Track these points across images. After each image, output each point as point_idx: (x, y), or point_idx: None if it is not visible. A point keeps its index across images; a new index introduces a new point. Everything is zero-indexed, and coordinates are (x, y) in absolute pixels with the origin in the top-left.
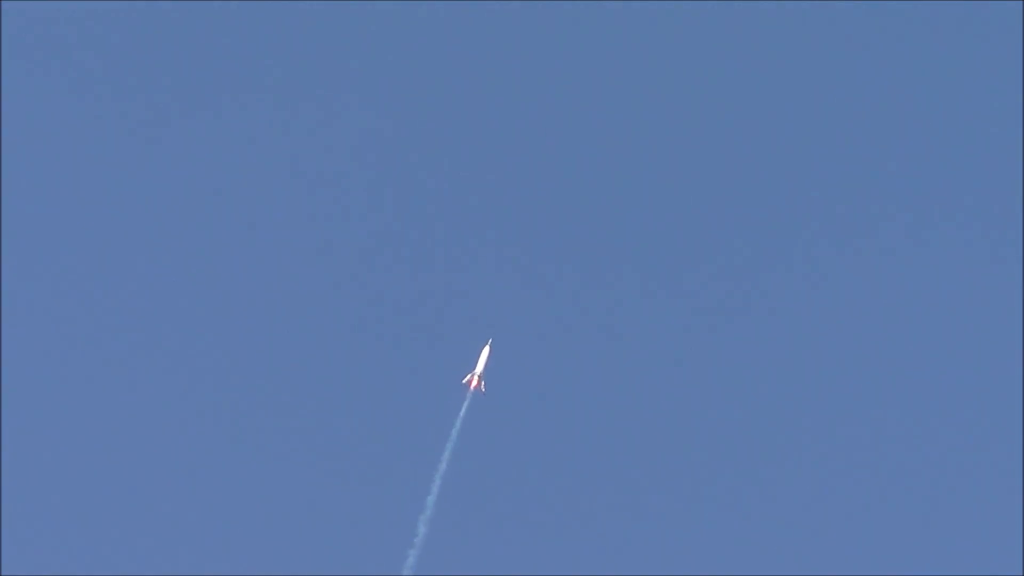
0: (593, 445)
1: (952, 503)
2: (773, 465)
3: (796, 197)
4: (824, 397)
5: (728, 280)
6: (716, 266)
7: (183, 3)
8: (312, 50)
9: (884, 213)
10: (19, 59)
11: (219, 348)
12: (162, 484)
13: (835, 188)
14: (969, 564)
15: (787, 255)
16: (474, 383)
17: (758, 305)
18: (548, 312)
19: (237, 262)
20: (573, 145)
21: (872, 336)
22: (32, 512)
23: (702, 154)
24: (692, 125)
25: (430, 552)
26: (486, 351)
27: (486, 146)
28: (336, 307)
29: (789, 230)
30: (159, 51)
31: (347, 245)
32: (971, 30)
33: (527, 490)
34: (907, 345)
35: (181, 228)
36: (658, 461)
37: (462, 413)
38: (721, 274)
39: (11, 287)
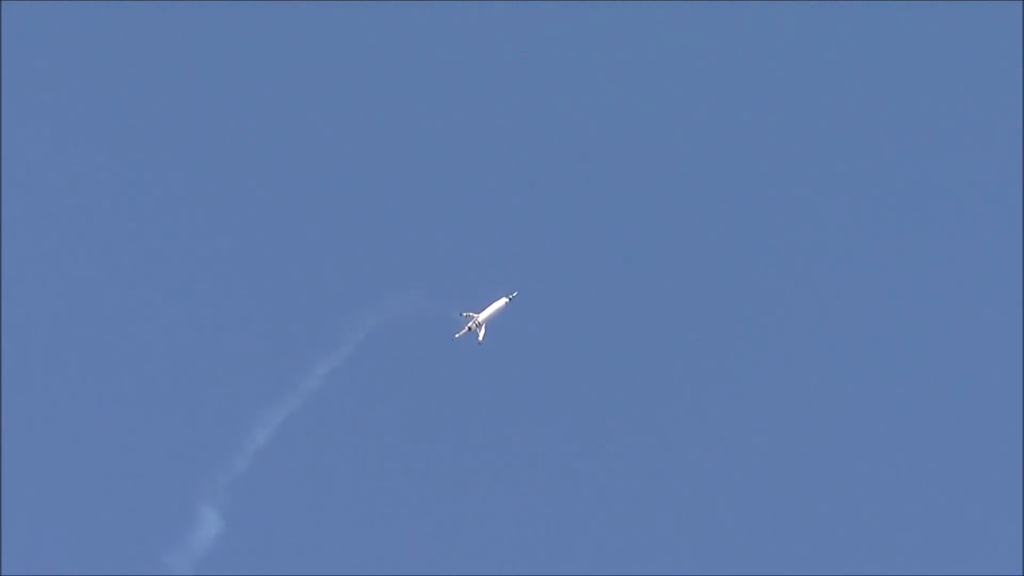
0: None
1: (952, 503)
2: (774, 465)
3: (794, 199)
4: (825, 397)
5: (725, 283)
6: (709, 269)
7: (183, 3)
8: (311, 50)
9: (883, 213)
10: (19, 59)
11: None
12: (160, 483)
13: (833, 189)
14: (969, 564)
15: (782, 254)
16: (470, 326)
17: (755, 302)
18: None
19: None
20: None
21: (872, 337)
22: (32, 512)
23: (700, 154)
24: (683, 130)
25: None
26: (502, 302)
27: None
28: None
29: (784, 228)
30: (159, 51)
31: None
32: (971, 30)
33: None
34: (907, 345)
35: (179, 228)
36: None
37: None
38: (717, 275)
39: (11, 287)
